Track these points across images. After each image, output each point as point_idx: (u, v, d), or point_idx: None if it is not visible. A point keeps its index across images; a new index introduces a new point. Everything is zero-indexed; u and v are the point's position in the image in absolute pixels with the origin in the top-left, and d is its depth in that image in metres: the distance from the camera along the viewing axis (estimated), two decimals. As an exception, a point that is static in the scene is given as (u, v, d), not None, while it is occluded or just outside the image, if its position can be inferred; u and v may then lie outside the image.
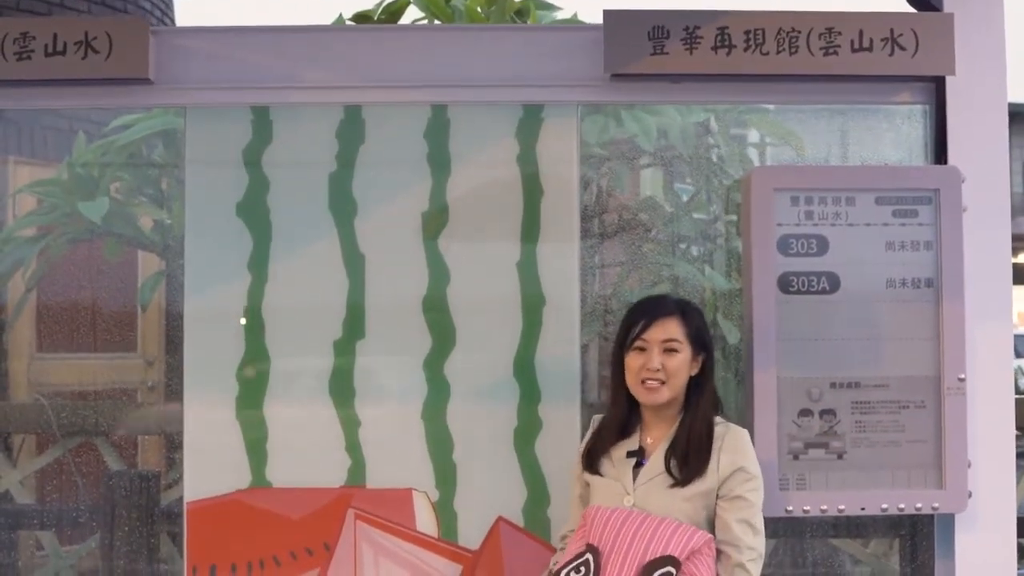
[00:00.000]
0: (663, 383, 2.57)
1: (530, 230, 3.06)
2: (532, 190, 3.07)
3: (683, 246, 3.71)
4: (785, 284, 2.93)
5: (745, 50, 2.96)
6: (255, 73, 3.06)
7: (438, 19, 4.23)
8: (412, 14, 4.36)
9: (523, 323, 3.04)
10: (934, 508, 2.93)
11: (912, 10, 3.14)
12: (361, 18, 4.34)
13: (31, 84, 3.01)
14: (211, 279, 3.05)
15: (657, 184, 3.83)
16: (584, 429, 2.82)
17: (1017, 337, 4.32)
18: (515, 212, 3.06)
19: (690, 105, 3.60)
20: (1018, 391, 6.57)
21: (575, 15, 4.30)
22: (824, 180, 2.98)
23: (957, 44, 2.98)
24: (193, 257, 3.05)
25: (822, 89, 3.09)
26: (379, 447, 3.02)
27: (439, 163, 3.07)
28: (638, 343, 2.60)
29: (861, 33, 2.97)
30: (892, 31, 2.97)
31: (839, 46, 2.97)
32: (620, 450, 2.62)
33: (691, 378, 2.62)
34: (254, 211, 3.05)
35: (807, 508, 2.89)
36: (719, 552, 2.52)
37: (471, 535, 3.01)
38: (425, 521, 3.01)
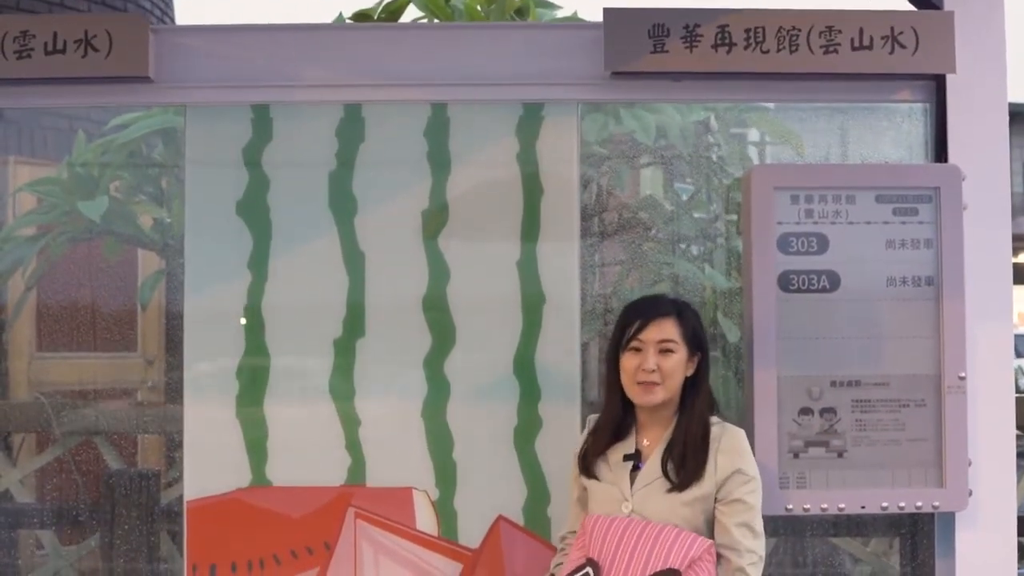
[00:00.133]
0: (658, 384, 2.55)
1: (530, 229, 3.06)
2: (532, 189, 3.06)
3: (683, 245, 3.71)
4: (785, 282, 2.93)
5: (745, 48, 2.96)
6: (255, 72, 3.05)
7: (438, 18, 4.23)
8: (412, 13, 4.36)
9: (523, 322, 3.03)
10: (934, 507, 2.92)
11: (912, 8, 3.14)
12: (361, 17, 4.33)
13: (31, 83, 3.00)
14: (211, 278, 3.04)
15: (657, 183, 3.83)
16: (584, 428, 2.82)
17: (1017, 336, 4.32)
18: (515, 211, 3.06)
19: (690, 103, 3.60)
20: (1018, 390, 6.56)
21: (575, 13, 4.30)
22: (824, 178, 2.97)
23: (958, 42, 2.98)
24: (193, 256, 3.05)
25: (822, 87, 3.08)
26: (379, 446, 3.02)
27: (439, 162, 3.07)
28: (634, 343, 2.58)
29: (861, 31, 2.97)
30: (892, 29, 2.97)
31: (839, 44, 2.96)
32: (616, 453, 2.60)
33: (687, 379, 2.60)
34: (254, 210, 3.04)
35: (807, 507, 2.89)
36: (719, 556, 2.50)
37: (471, 534, 3.01)
38: (425, 520, 3.01)
